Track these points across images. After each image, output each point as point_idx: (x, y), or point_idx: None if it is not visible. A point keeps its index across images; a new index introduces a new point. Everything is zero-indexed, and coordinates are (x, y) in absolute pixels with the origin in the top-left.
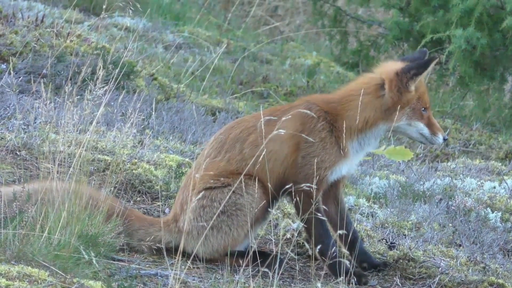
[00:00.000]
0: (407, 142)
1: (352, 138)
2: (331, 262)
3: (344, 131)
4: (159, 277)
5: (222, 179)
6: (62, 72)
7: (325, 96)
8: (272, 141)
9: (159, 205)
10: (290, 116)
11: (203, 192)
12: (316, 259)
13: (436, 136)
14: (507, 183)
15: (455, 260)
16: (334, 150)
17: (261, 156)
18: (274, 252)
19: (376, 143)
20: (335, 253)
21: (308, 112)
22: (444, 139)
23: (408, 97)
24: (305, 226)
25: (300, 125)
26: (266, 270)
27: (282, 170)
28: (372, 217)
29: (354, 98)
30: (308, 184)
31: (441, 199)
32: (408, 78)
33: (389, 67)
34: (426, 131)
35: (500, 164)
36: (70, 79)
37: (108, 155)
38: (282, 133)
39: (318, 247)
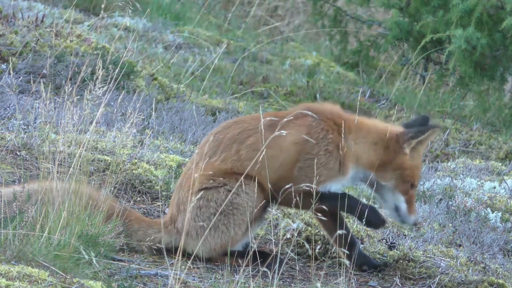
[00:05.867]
0: None
1: (354, 163)
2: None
3: (352, 150)
4: (159, 277)
5: (217, 179)
6: (62, 72)
7: (335, 108)
8: (272, 148)
9: (159, 205)
10: (295, 124)
11: (202, 192)
12: (316, 259)
13: (409, 216)
14: (507, 183)
15: (455, 260)
16: (335, 166)
17: (261, 157)
18: (274, 252)
19: (357, 183)
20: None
21: (314, 125)
22: (415, 224)
23: (401, 160)
24: (321, 217)
25: (306, 134)
26: (266, 270)
27: (276, 177)
28: None
29: (372, 134)
30: (307, 184)
31: (441, 199)
32: (405, 139)
33: (396, 128)
34: (403, 206)
35: (500, 164)
36: (70, 79)
37: (108, 155)
38: (282, 140)
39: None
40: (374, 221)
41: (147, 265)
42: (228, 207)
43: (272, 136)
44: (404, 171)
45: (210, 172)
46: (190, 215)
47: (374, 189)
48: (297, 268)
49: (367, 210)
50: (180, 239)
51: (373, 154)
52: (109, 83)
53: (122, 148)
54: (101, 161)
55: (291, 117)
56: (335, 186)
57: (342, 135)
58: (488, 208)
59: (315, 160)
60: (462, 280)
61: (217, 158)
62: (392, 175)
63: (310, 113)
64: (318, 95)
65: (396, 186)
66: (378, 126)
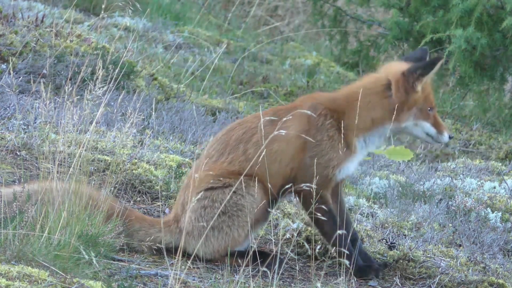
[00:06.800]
0: (407, 142)
1: (358, 135)
2: (356, 265)
3: (351, 128)
4: (159, 277)
5: (223, 179)
6: (62, 72)
7: (328, 94)
8: (277, 141)
9: (159, 205)
10: (295, 115)
11: (203, 192)
12: (316, 259)
13: (442, 135)
14: (507, 183)
15: (455, 260)
16: (342, 148)
17: (261, 156)
18: (274, 252)
19: (380, 141)
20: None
21: (312, 113)
22: (450, 137)
23: (415, 98)
24: (316, 225)
25: (307, 123)
26: (266, 270)
27: (289, 171)
28: (372, 217)
29: (361, 97)
30: (308, 184)
31: (441, 199)
32: (415, 78)
33: (394, 67)
34: (432, 130)
35: (500, 164)
36: (70, 79)
37: (108, 155)
38: (286, 132)
39: (334, 247)
40: (359, 275)
41: (147, 265)
42: (232, 208)
43: (275, 131)
44: (419, 105)
45: (216, 173)
46: (195, 215)
47: (399, 133)
48: (297, 268)
49: (355, 264)
50: (182, 238)
51: (375, 111)
52: (109, 83)
53: (122, 148)
54: (101, 161)
55: (290, 116)
56: (352, 166)
57: (337, 115)
58: (488, 208)
59: (322, 147)
60: (462, 280)
61: (224, 160)
62: (409, 114)
63: (308, 112)
64: None
65: (417, 118)
66: (367, 85)
